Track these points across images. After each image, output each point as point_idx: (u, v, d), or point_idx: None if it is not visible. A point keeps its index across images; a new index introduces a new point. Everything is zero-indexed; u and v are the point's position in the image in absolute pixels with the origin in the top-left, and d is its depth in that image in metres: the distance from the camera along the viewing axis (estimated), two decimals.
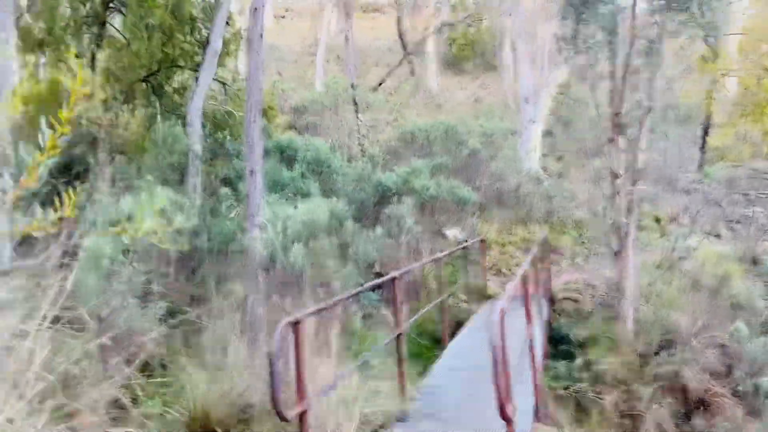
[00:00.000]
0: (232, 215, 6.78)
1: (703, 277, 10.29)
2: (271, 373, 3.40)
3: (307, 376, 4.01)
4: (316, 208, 6.06)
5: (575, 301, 12.08)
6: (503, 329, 3.42)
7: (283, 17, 44.38)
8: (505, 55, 31.86)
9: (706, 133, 19.76)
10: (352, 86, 21.73)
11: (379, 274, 7.79)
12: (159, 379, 5.21)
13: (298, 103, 21.56)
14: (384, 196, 11.08)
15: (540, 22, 26.45)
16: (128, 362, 4.69)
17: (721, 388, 9.05)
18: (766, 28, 18.64)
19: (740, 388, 8.87)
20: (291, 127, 20.20)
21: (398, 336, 5.77)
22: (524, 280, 6.40)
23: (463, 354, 7.32)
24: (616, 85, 9.77)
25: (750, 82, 18.39)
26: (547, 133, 21.12)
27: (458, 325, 10.08)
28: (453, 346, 7.70)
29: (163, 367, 5.59)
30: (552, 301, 11.77)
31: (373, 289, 6.00)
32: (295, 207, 6.17)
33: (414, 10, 31.51)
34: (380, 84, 25.47)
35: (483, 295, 11.91)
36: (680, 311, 9.98)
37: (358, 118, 20.31)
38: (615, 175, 9.96)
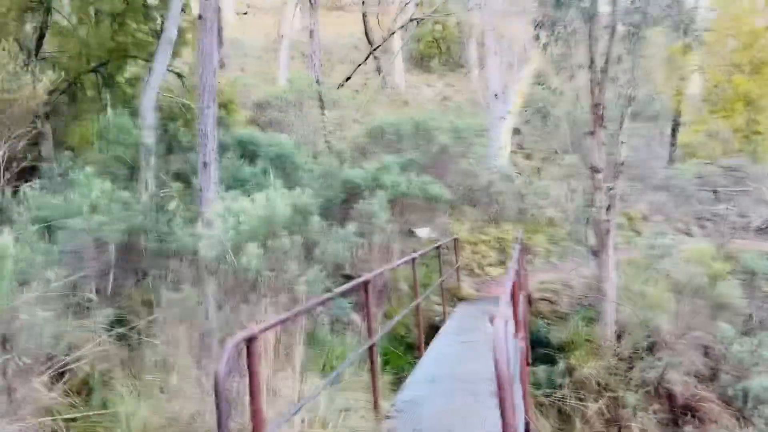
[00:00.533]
0: (182, 212, 6.00)
1: (684, 277, 9.88)
2: (217, 403, 2.70)
3: (268, 397, 3.32)
4: (276, 200, 5.32)
5: (552, 302, 11.58)
6: (507, 346, 2.77)
7: (245, 14, 43.47)
8: (472, 52, 31.60)
9: (675, 129, 19.62)
10: (317, 82, 20.98)
11: (348, 277, 7.13)
12: (95, 404, 4.43)
13: (260, 98, 20.68)
14: (352, 194, 10.38)
15: (509, 16, 26.16)
16: (53, 384, 3.92)
17: (708, 393, 8.64)
18: (733, 25, 18.56)
19: (729, 392, 8.46)
20: (253, 123, 19.35)
21: (371, 347, 5.10)
22: (514, 283, 5.81)
23: (441, 362, 6.69)
24: (596, 75, 9.29)
25: (719, 78, 18.28)
26: (516, 131, 20.79)
27: (432, 329, 9.48)
28: (429, 354, 7.07)
29: (106, 386, 4.82)
30: (529, 302, 11.24)
31: (344, 294, 5.29)
32: (252, 200, 5.39)
33: (380, 8, 30.90)
34: (346, 80, 24.77)
35: (457, 297, 11.33)
36: (663, 312, 9.55)
37: (323, 114, 19.57)
38: (595, 170, 9.48)
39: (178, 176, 8.69)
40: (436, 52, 33.31)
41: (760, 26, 18.61)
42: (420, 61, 33.22)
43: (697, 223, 18.01)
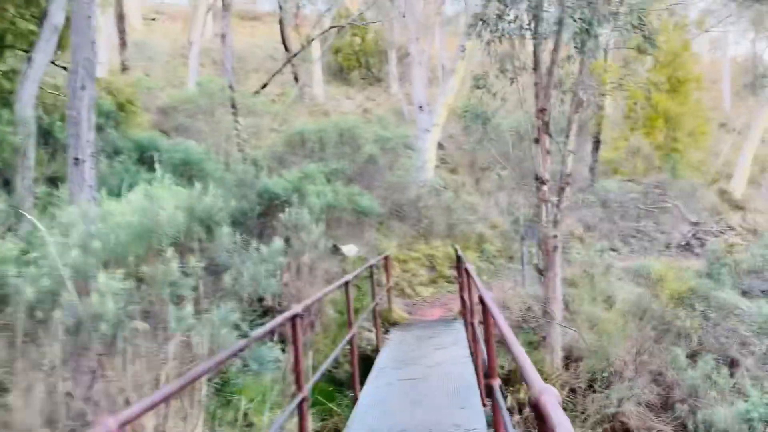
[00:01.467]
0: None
1: (633, 297, 9.22)
2: None
3: None
4: (162, 201, 3.82)
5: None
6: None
7: (154, 20, 41.31)
8: (392, 67, 30.93)
9: (597, 146, 19.52)
10: (230, 87, 19.40)
11: (268, 311, 5.79)
12: None
13: (166, 103, 18.86)
14: (271, 206, 9.04)
15: (435, 26, 25.62)
16: None
17: (664, 425, 7.91)
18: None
19: (688, 424, 7.75)
20: (157, 128, 17.54)
21: (301, 402, 3.84)
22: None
23: (382, 411, 5.47)
24: (542, 78, 8.49)
25: (639, 95, 18.30)
26: (441, 146, 20.08)
27: (365, 359, 8.26)
28: (365, 399, 5.84)
29: None
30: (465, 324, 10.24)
31: (266, 335, 3.97)
32: (125, 201, 3.81)
33: (297, 19, 29.69)
34: (263, 87, 23.31)
35: (388, 321, 10.17)
36: (611, 335, 8.82)
37: (236, 121, 18.04)
38: (541, 181, 8.65)
39: (54, 181, 7.06)
40: (355, 65, 32.42)
41: (679, 45, 18.88)
42: (340, 73, 32.19)
43: (621, 240, 17.86)
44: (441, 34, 28.76)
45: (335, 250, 11.47)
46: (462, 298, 10.48)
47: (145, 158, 10.55)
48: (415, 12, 18.50)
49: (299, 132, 13.40)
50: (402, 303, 11.52)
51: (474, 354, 6.72)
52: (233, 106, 18.94)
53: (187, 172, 10.23)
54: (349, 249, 11.47)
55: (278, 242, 5.76)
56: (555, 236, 8.59)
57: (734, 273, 11.93)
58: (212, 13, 31.24)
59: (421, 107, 18.08)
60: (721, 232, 19.21)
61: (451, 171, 20.17)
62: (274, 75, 23.54)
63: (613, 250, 17.04)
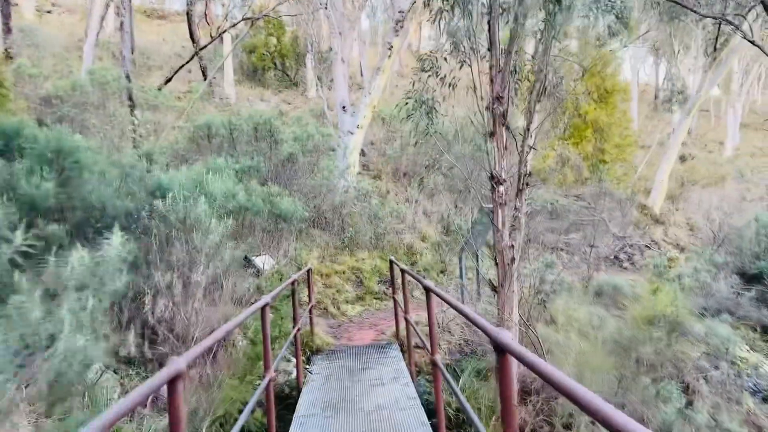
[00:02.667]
0: None
1: (591, 318, 8.05)
2: None
3: None
4: None
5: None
6: None
7: (50, 12, 38.00)
8: (309, 70, 29.30)
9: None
10: (127, 77, 17.09)
11: (131, 361, 4.00)
12: None
13: (51, 92, 16.31)
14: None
15: (358, 21, 24.24)
16: None
17: None
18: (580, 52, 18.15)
19: None
20: (39, 122, 15.02)
21: None
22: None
23: None
24: (499, 58, 7.19)
25: (569, 105, 17.67)
26: (362, 153, 18.66)
27: (282, 401, 6.56)
28: None
29: None
30: (401, 350, 8.69)
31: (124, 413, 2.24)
32: None
33: (207, 10, 27.51)
34: (166, 82, 21.04)
35: (310, 348, 8.48)
36: (571, 361, 7.58)
37: (133, 115, 15.81)
38: (497, 181, 7.31)
39: None
40: (271, 66, 30.56)
41: (606, 52, 18.46)
42: (254, 74, 30.20)
43: (552, 253, 17.05)
44: (360, 45, 27.66)
45: (247, 262, 9.67)
46: (397, 316, 8.98)
47: (8, 148, 8.43)
48: (337, 4, 17.02)
49: (206, 124, 11.48)
50: (326, 324, 9.86)
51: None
52: (130, 98, 16.69)
53: (59, 165, 8.19)
54: (264, 261, 9.71)
55: (116, 239, 3.96)
56: (512, 246, 7.27)
57: (681, 290, 11.15)
58: (113, 5, 28.64)
59: (344, 107, 16.58)
60: (647, 247, 18.92)
61: (374, 177, 18.76)
62: (180, 68, 21.32)
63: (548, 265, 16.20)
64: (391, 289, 9.77)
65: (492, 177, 7.33)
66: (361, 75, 28.31)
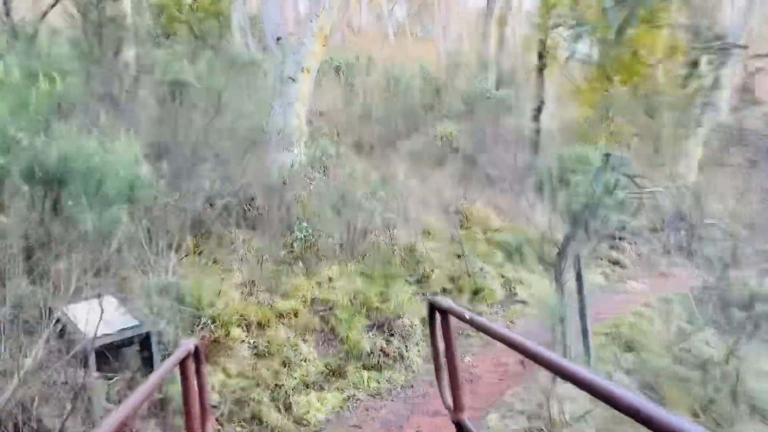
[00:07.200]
0: None
1: None
2: None
3: None
4: None
5: None
6: None
7: None
8: (237, 29, 23.34)
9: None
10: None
11: None
12: None
13: None
14: None
15: None
16: None
17: None
18: None
19: None
20: None
21: None
22: None
23: None
24: None
25: None
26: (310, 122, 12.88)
27: None
28: None
29: None
30: None
31: None
32: None
33: None
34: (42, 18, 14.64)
35: None
36: None
37: None
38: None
39: None
40: (184, 30, 24.32)
41: None
42: (165, 37, 23.90)
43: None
44: None
45: (53, 323, 3.82)
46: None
47: None
48: None
49: None
50: None
51: None
52: None
53: None
54: (90, 312, 3.86)
55: None
56: None
57: None
58: None
59: (278, 38, 10.74)
60: None
61: (336, 137, 12.95)
62: (52, 6, 14.92)
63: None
64: (429, 352, 4.10)
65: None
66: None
